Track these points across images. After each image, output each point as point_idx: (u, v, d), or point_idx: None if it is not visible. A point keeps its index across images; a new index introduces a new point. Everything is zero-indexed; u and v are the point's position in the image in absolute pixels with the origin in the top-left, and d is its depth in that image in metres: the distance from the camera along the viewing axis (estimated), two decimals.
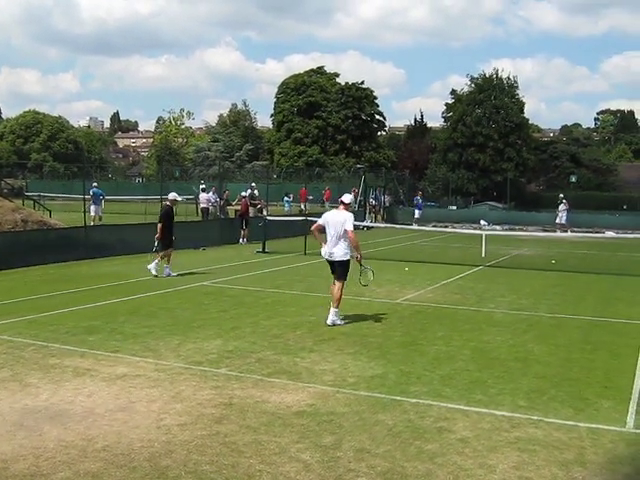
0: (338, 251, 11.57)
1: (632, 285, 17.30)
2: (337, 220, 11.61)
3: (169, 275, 16.76)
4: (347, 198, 12.10)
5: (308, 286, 15.76)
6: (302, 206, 42.25)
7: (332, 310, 11.57)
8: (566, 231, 34.16)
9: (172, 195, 17.60)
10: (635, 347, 10.28)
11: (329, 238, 11.66)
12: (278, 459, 5.82)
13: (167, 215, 17.01)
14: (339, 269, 11.67)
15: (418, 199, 41.08)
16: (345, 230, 11.46)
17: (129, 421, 6.67)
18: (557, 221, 36.55)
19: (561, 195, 38.01)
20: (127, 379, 8.07)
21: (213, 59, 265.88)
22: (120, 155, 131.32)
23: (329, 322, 11.46)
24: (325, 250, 11.73)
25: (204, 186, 34.20)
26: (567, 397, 7.72)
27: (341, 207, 11.91)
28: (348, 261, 11.73)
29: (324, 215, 12.12)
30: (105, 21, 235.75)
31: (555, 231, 34.53)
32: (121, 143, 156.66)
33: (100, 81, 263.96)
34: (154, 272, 16.59)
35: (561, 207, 36.63)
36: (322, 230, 11.87)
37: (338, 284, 11.64)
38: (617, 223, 41.34)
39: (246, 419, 6.78)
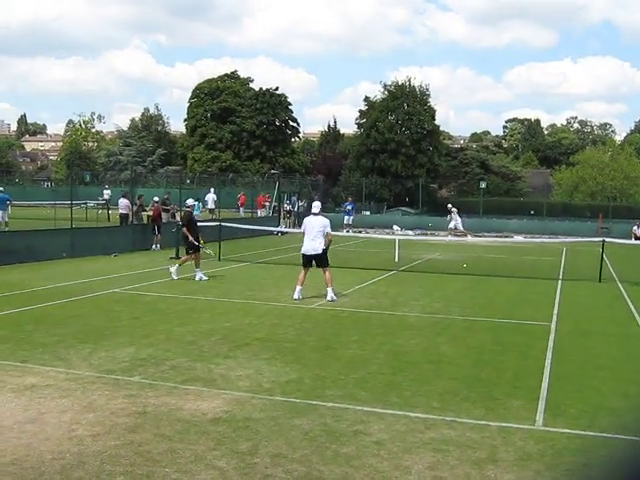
0: (320, 247, 14.80)
1: (539, 288, 17.87)
2: (318, 224, 14.90)
3: (201, 279, 17.39)
4: (316, 207, 15.37)
5: (222, 292, 15.64)
6: (259, 213, 41.79)
7: (330, 289, 14.63)
8: (459, 235, 34.97)
9: (190, 201, 19.03)
10: (543, 348, 10.61)
11: (308, 238, 14.86)
12: (194, 467, 5.75)
13: (189, 219, 18.22)
14: (324, 259, 14.91)
15: (347, 205, 41.38)
16: (327, 233, 14.98)
17: (39, 433, 6.47)
18: (452, 226, 37.24)
19: (449, 205, 38.89)
20: (36, 389, 7.82)
21: (122, 62, 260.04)
22: (27, 159, 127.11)
23: (330, 299, 14.48)
24: (305, 247, 14.92)
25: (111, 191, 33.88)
26: (479, 397, 7.91)
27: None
28: (326, 252, 15.02)
29: (304, 221, 15.44)
30: (7, 21, 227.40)
31: (464, 235, 35.29)
32: (29, 147, 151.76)
33: (4, 82, 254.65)
34: (205, 277, 17.52)
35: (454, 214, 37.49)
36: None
37: (328, 272, 14.83)
38: (525, 228, 42.78)
39: (160, 427, 6.67)
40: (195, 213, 37.06)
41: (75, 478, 5.48)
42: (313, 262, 15.10)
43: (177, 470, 5.68)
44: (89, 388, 7.92)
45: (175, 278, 17.18)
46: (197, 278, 17.39)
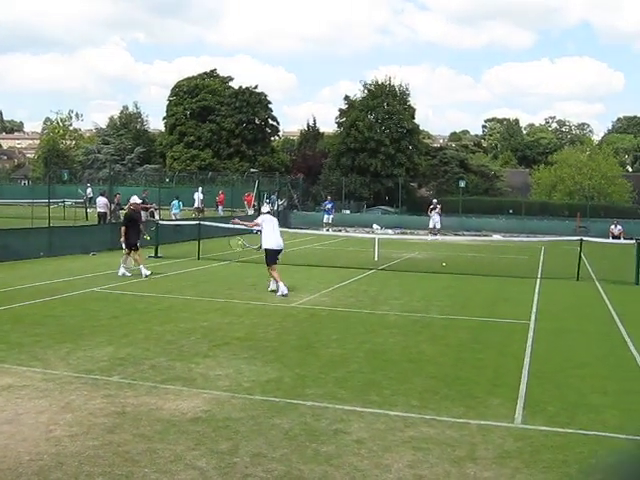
0: (282, 243, 15.98)
1: (517, 286, 17.97)
2: (275, 221, 16.13)
3: (124, 275, 17.49)
4: (268, 207, 17.25)
5: (201, 291, 15.58)
6: (249, 212, 41.81)
7: (282, 284, 15.12)
8: (436, 234, 34.80)
9: (133, 199, 18.90)
10: (522, 346, 10.67)
11: (275, 234, 15.75)
12: (173, 467, 5.72)
13: (130, 218, 18.29)
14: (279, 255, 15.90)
15: (327, 204, 41.56)
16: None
17: (16, 434, 6.40)
18: (431, 226, 37.05)
19: (435, 200, 38.77)
20: (13, 390, 7.74)
21: (100, 59, 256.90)
22: (4, 157, 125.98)
23: (284, 293, 14.96)
24: (276, 242, 15.71)
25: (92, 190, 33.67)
26: (458, 396, 7.93)
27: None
28: None
29: (263, 218, 16.11)
30: None
31: (435, 235, 35.21)
32: (5, 144, 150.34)
33: None
34: (128, 274, 17.56)
35: (435, 212, 37.29)
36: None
37: (276, 268, 15.62)
38: (503, 227, 42.95)
39: (140, 427, 6.63)
40: (174, 212, 37.28)
41: (53, 479, 5.43)
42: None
43: (156, 470, 5.64)
44: (67, 388, 7.85)
45: (147, 273, 17.40)
46: (120, 273, 17.56)
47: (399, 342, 10.79)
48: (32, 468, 5.63)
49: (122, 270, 17.61)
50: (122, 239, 17.84)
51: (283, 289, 15.05)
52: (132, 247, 17.83)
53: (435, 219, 37.10)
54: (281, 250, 15.98)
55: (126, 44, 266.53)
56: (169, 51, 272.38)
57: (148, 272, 17.47)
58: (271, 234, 15.72)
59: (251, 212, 41.56)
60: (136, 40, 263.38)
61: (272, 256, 15.65)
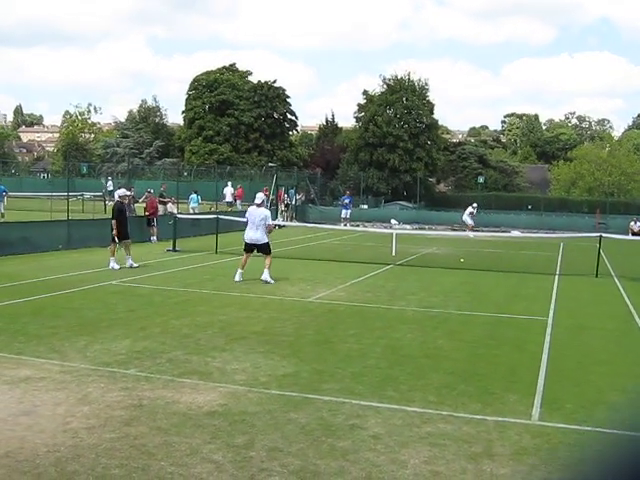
0: (262, 237, 15.89)
1: (535, 282, 17.86)
2: (258, 215, 15.88)
3: (132, 266, 17.77)
4: (259, 199, 16.34)
5: (219, 285, 15.61)
6: (281, 208, 41.82)
7: (267, 270, 15.73)
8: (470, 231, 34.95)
9: (121, 191, 19.57)
10: (539, 342, 10.61)
11: (253, 228, 15.88)
12: (189, 460, 5.72)
13: (119, 211, 18.30)
14: (265, 248, 16.01)
15: (344, 199, 41.52)
16: (267, 224, 16.00)
17: (33, 425, 6.43)
18: (471, 222, 37.19)
19: (475, 204, 38.80)
20: (31, 382, 7.78)
21: (119, 53, 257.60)
22: (24, 150, 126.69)
23: (264, 279, 15.60)
24: (250, 236, 15.98)
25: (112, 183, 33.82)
26: (475, 392, 7.89)
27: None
28: (269, 242, 16.23)
29: (249, 210, 16.43)
30: (3, 11, 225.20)
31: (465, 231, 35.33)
32: (25, 137, 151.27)
33: (0, 73, 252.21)
34: (135, 264, 17.97)
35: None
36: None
37: (268, 258, 15.99)
38: (522, 223, 42.72)
39: (156, 420, 6.64)
40: (192, 205, 37.37)
41: (70, 471, 5.45)
42: (255, 250, 16.26)
43: (172, 463, 5.65)
44: (84, 381, 7.88)
45: (117, 267, 17.43)
46: (127, 265, 17.79)
47: (416, 337, 10.76)
48: (49, 459, 5.66)
49: (129, 262, 17.87)
50: (114, 232, 17.72)
51: (265, 276, 15.77)
52: (116, 240, 17.86)
53: (468, 219, 37.33)
54: (258, 244, 16.18)
55: (145, 38, 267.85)
56: (188, 45, 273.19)
57: (117, 267, 17.50)
58: (247, 228, 16.27)
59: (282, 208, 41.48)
60: (155, 34, 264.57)
61: (247, 247, 16.31)
